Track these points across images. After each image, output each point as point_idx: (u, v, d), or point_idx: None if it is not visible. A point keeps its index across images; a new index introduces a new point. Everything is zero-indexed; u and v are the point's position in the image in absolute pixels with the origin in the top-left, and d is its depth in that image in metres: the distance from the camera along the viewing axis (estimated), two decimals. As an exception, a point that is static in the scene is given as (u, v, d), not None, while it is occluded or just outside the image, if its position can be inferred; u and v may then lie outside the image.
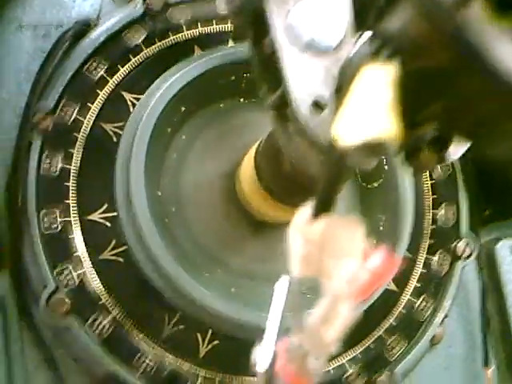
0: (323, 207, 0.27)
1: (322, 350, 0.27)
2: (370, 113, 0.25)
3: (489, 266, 0.72)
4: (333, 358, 0.63)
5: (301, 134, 0.40)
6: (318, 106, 0.38)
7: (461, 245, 0.68)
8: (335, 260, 0.27)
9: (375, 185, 0.67)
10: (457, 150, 0.41)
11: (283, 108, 0.41)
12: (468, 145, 0.41)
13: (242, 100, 0.66)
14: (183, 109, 0.62)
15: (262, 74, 0.43)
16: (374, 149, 0.30)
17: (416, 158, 0.41)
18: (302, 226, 0.28)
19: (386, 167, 0.65)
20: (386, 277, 0.27)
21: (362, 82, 0.25)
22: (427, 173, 0.69)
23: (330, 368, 0.63)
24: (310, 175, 0.45)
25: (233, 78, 0.63)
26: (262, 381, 0.31)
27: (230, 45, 0.64)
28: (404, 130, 0.36)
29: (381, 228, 0.64)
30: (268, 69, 0.42)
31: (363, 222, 0.64)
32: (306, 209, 0.28)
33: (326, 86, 0.38)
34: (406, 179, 0.62)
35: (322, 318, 0.27)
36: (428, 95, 0.27)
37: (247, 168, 0.59)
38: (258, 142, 0.57)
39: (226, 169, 0.63)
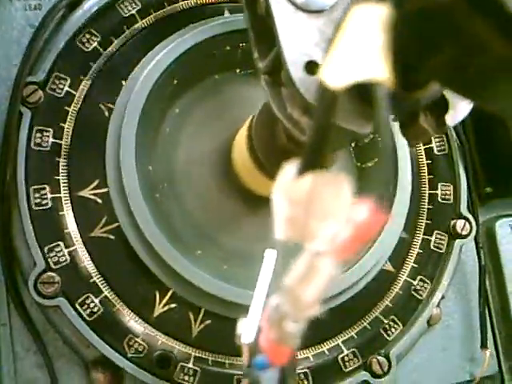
0: (310, 164, 0.26)
1: (301, 312, 0.25)
2: (361, 54, 0.23)
3: (488, 245, 0.71)
4: (328, 338, 0.62)
5: (294, 97, 0.39)
6: (311, 67, 0.36)
7: (459, 223, 0.67)
8: (320, 221, 0.25)
9: (369, 164, 0.66)
10: (455, 116, 0.40)
11: (276, 72, 0.40)
12: (466, 110, 0.40)
13: (238, 71, 0.65)
14: (175, 81, 0.60)
15: (255, 38, 0.42)
16: (364, 93, 0.29)
17: (413, 124, 0.40)
18: (287, 184, 0.26)
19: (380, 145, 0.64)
20: (371, 232, 0.25)
21: (352, 22, 0.24)
22: (423, 152, 0.68)
23: (325, 349, 0.62)
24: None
25: (228, 48, 0.61)
26: (247, 352, 0.30)
27: (226, 15, 0.62)
28: (402, 92, 0.36)
29: (375, 205, 0.63)
30: (261, 32, 0.41)
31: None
32: (292, 167, 0.27)
33: (319, 48, 0.37)
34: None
35: (301, 277, 0.25)
36: (428, 44, 0.26)
37: (240, 143, 0.58)
38: (251, 116, 0.56)
39: (221, 143, 0.61)
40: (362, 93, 0.35)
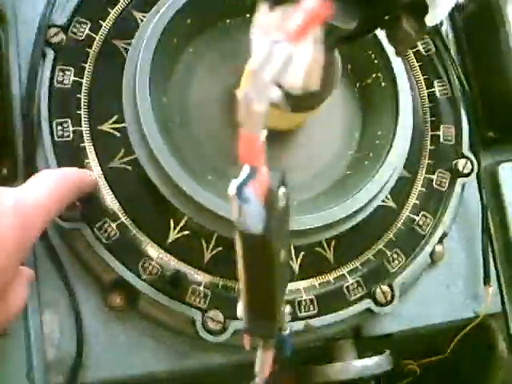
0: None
1: (263, 92, 0.29)
2: None
3: (491, 187, 0.73)
4: (333, 268, 0.66)
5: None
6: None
7: (460, 162, 0.70)
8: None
9: (369, 81, 0.69)
10: (433, 17, 0.43)
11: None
12: (444, 12, 0.43)
13: (248, 17, 0.67)
14: (189, 21, 0.64)
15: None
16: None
17: (396, 28, 0.44)
18: (263, 20, 0.30)
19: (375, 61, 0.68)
20: (319, 20, 0.29)
21: None
22: (426, 96, 0.71)
23: (331, 278, 0.65)
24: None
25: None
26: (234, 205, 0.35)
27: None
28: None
29: (377, 142, 0.66)
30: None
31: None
32: (265, 5, 0.31)
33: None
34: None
35: (261, 62, 0.29)
36: None
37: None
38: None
39: (233, 83, 0.64)
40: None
